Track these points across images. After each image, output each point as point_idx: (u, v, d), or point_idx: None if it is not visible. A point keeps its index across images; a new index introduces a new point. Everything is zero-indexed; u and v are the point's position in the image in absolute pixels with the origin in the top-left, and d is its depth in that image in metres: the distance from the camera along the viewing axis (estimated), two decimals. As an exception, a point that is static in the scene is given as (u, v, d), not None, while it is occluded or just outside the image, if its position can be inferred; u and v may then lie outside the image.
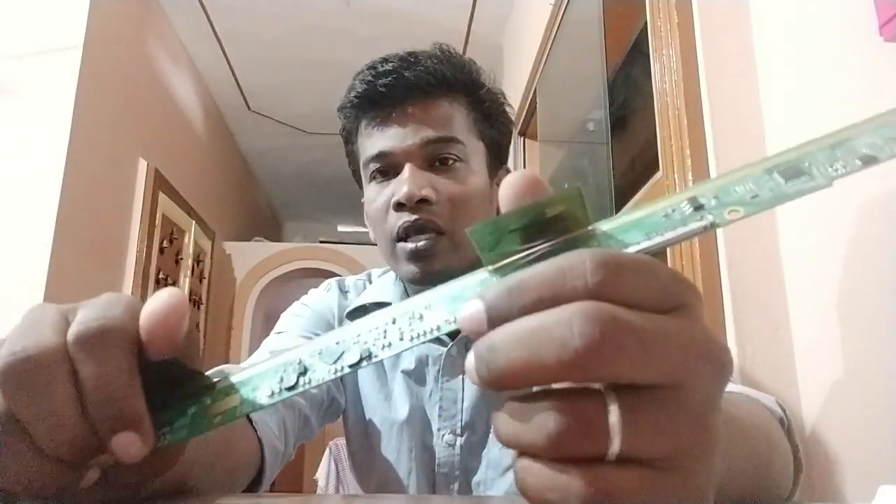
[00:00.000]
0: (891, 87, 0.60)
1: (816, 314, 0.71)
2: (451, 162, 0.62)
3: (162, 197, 2.53)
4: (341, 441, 2.44)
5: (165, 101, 2.70)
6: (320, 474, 2.57)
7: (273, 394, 0.23)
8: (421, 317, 0.22)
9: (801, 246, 0.74)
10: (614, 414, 0.18)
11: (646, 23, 1.13)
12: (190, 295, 2.93)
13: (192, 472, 0.32)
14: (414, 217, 0.59)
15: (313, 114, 3.27)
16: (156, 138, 2.55)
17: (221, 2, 2.55)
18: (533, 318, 0.18)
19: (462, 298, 0.22)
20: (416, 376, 0.67)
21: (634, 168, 1.50)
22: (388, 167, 0.63)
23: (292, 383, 0.23)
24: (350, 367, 0.22)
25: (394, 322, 0.22)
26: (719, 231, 0.91)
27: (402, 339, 0.22)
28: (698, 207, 0.21)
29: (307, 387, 0.22)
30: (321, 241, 4.05)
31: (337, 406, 0.68)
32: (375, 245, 0.66)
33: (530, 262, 0.21)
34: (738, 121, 0.87)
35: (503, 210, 0.22)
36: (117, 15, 2.19)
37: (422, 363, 0.66)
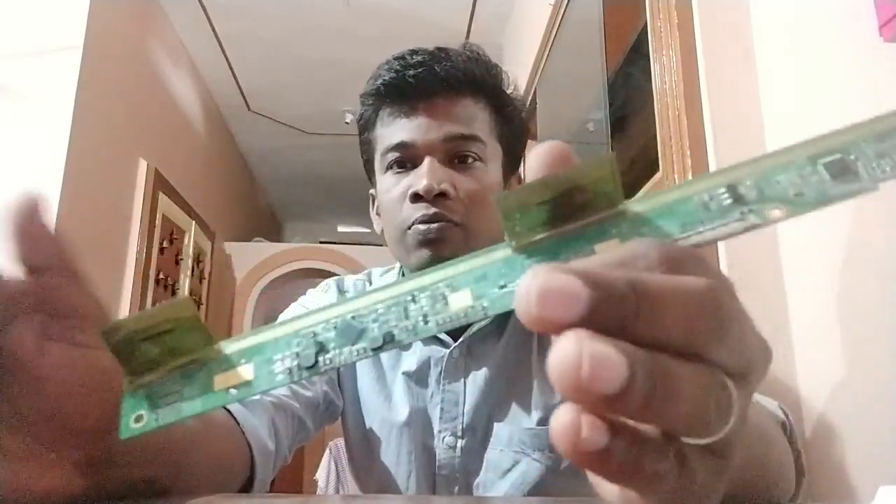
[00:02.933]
0: (891, 87, 0.60)
1: (816, 314, 0.71)
2: (470, 160, 0.62)
3: (162, 197, 2.53)
4: (341, 441, 2.44)
5: (165, 101, 2.70)
6: (320, 475, 2.57)
7: (291, 372, 0.20)
8: (445, 299, 0.20)
9: (801, 246, 0.74)
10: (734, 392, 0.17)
11: (646, 23, 1.13)
12: (190, 295, 2.93)
13: (163, 458, 0.32)
14: (432, 210, 0.59)
15: (313, 114, 3.27)
16: (156, 138, 2.55)
17: (221, 2, 2.55)
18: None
19: (487, 279, 0.20)
20: (417, 378, 0.67)
21: (634, 168, 1.50)
22: (407, 158, 0.62)
23: (311, 363, 0.20)
24: (373, 350, 0.20)
25: (414, 300, 0.20)
26: (719, 231, 0.91)
27: (426, 322, 0.20)
28: (737, 199, 0.19)
29: (328, 367, 0.20)
30: (321, 242, 4.05)
31: (334, 408, 0.68)
32: (376, 245, 0.66)
33: (560, 243, 0.20)
34: (738, 121, 0.87)
35: (529, 181, 0.21)
36: (117, 15, 2.19)
37: (424, 365, 0.66)
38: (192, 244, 2.94)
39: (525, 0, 2.31)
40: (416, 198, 0.60)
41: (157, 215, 2.48)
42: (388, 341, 0.20)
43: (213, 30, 2.74)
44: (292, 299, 0.75)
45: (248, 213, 4.20)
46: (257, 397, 0.52)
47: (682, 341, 0.17)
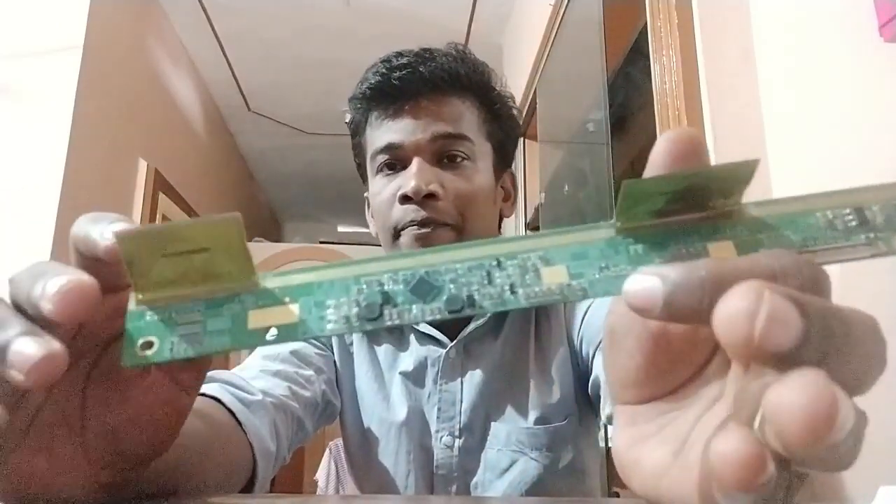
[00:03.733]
0: (891, 87, 0.60)
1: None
2: (459, 159, 0.62)
3: (162, 197, 2.53)
4: (341, 441, 2.43)
5: (165, 101, 2.70)
6: (320, 475, 2.57)
7: (349, 320, 0.18)
8: (537, 271, 0.18)
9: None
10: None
11: (646, 23, 1.13)
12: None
13: (179, 470, 0.32)
14: (421, 213, 0.59)
15: (313, 114, 3.27)
16: (156, 138, 2.55)
17: (221, 2, 2.55)
18: None
19: (585, 257, 0.19)
20: (414, 378, 0.67)
21: (634, 168, 1.50)
22: (396, 160, 0.63)
23: (375, 314, 0.18)
24: (451, 312, 0.18)
25: (499, 266, 0.19)
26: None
27: (514, 293, 0.18)
28: (863, 223, 0.18)
29: (393, 322, 0.18)
30: (321, 242, 4.05)
31: (332, 408, 0.68)
32: (376, 245, 0.66)
33: (669, 233, 0.19)
34: (738, 121, 0.87)
35: (654, 167, 0.19)
36: (117, 15, 2.19)
37: (420, 365, 0.66)
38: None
39: (525, 0, 2.31)
40: (406, 199, 0.60)
41: (157, 215, 2.48)
42: (469, 305, 0.18)
43: (213, 30, 2.74)
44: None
45: (248, 212, 4.20)
46: (259, 398, 0.52)
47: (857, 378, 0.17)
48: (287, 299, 0.19)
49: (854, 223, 0.19)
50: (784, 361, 0.15)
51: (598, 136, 1.59)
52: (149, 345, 0.18)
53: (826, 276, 0.18)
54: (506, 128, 0.68)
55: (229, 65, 3.01)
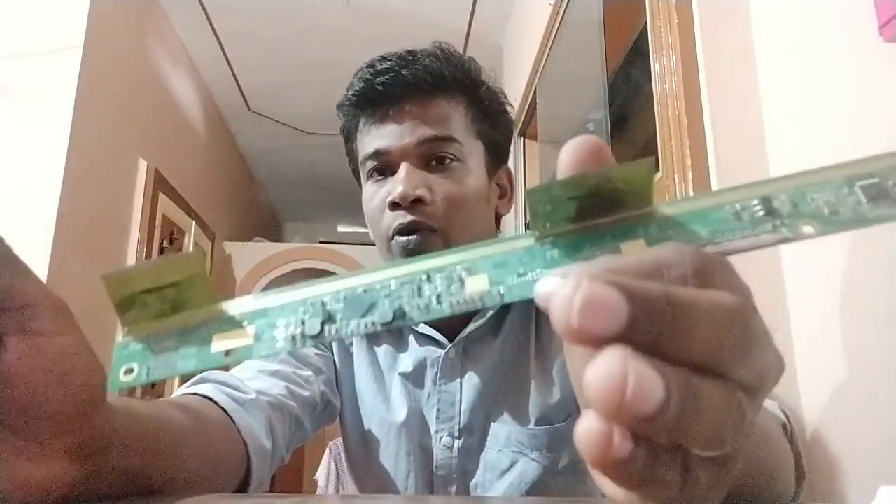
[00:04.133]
0: (891, 87, 0.60)
1: (816, 314, 0.71)
2: (447, 161, 0.62)
3: (162, 197, 2.53)
4: (341, 441, 2.43)
5: (165, 101, 2.70)
6: (320, 475, 2.57)
7: (294, 339, 0.20)
8: (462, 281, 0.20)
9: (801, 246, 0.74)
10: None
11: (646, 23, 1.13)
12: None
13: (154, 458, 0.32)
14: (409, 218, 0.59)
15: (313, 114, 3.26)
16: (156, 138, 2.55)
17: (221, 2, 2.55)
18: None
19: (507, 266, 0.20)
20: (413, 379, 0.67)
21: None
22: (384, 166, 0.63)
23: (316, 332, 0.20)
24: (383, 325, 0.20)
25: (429, 279, 0.20)
26: (719, 231, 0.91)
27: (440, 303, 0.20)
28: (770, 212, 0.19)
29: (332, 337, 0.20)
30: (321, 242, 4.05)
31: (332, 409, 0.68)
32: (375, 245, 0.66)
33: (584, 238, 0.20)
34: (738, 121, 0.87)
35: (560, 174, 0.21)
36: (117, 15, 2.19)
37: (420, 365, 0.66)
38: (192, 244, 2.94)
39: (525, 0, 2.31)
40: (394, 206, 0.60)
41: (157, 215, 2.48)
42: (399, 317, 0.20)
43: (213, 30, 2.74)
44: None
45: (248, 213, 4.20)
46: (253, 396, 0.52)
47: (708, 359, 0.17)
48: (245, 323, 0.21)
49: (761, 213, 0.20)
50: (608, 343, 0.16)
51: (598, 136, 1.59)
52: (130, 371, 0.21)
53: (719, 260, 0.18)
54: (497, 125, 0.68)
55: (229, 65, 3.01)
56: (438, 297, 0.20)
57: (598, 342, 0.16)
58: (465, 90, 0.65)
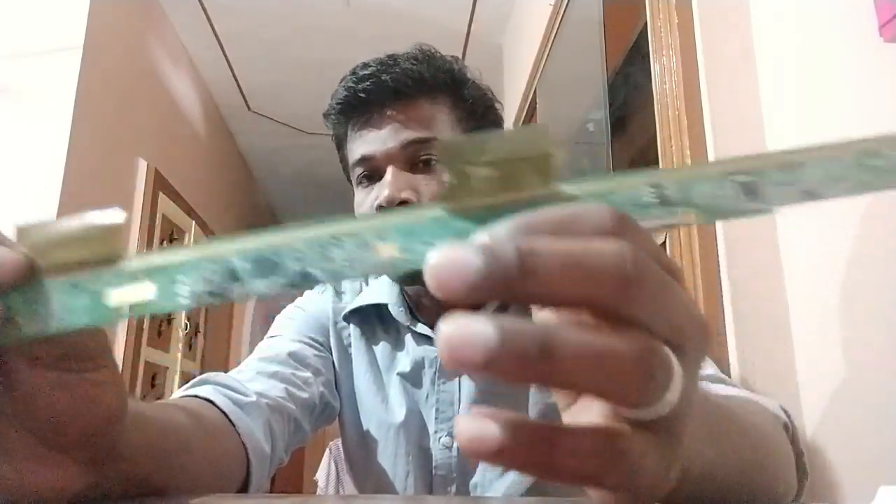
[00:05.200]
0: (891, 87, 0.60)
1: (816, 314, 0.71)
2: (433, 163, 0.62)
3: (162, 197, 2.53)
4: (341, 442, 2.42)
5: (165, 101, 2.70)
6: (320, 475, 2.57)
7: (196, 295, 0.21)
8: (373, 247, 0.21)
9: (801, 246, 0.74)
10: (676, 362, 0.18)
11: (646, 23, 1.13)
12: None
13: (157, 463, 0.33)
14: None
15: (313, 114, 3.23)
16: (156, 138, 2.55)
17: (221, 2, 2.55)
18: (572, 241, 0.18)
19: (415, 234, 0.21)
20: (412, 379, 0.67)
21: (634, 168, 1.50)
22: (371, 171, 0.63)
23: (221, 290, 0.21)
24: (284, 285, 0.21)
25: (338, 243, 0.21)
26: (719, 230, 0.91)
27: (349, 265, 0.20)
28: (662, 199, 0.21)
29: (238, 296, 0.21)
30: (321, 242, 4.04)
31: (331, 410, 0.68)
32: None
33: (489, 212, 0.21)
34: (738, 121, 0.87)
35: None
36: (117, 15, 2.19)
37: (418, 365, 0.66)
38: (192, 244, 2.94)
39: (525, 0, 2.31)
40: (381, 209, 0.60)
41: (157, 215, 2.48)
42: (305, 279, 0.20)
43: (213, 30, 2.74)
44: (291, 300, 0.75)
45: (248, 212, 4.20)
46: (253, 399, 0.52)
47: (607, 303, 0.17)
48: (146, 279, 0.21)
49: (654, 199, 0.21)
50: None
51: (598, 136, 1.59)
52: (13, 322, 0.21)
53: (629, 218, 0.19)
54: (484, 122, 0.68)
55: (229, 65, 3.01)
56: (350, 261, 0.20)
57: (459, 298, 0.17)
58: (448, 90, 0.65)
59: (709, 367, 0.52)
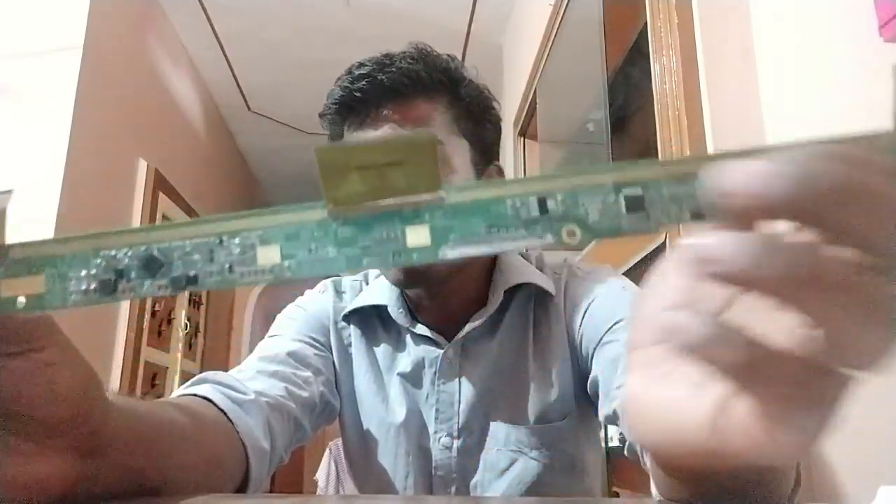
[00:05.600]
0: (891, 87, 0.60)
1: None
2: None
3: (162, 197, 2.53)
4: (341, 441, 2.42)
5: (165, 101, 2.70)
6: (320, 475, 2.57)
7: (87, 293, 0.20)
8: (254, 250, 0.20)
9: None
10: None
11: (646, 23, 1.13)
12: (190, 295, 2.93)
13: (151, 457, 0.33)
14: None
15: (313, 114, 3.20)
16: (156, 138, 2.55)
17: (221, 2, 2.55)
18: None
19: (298, 239, 0.20)
20: (412, 379, 0.66)
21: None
22: None
23: (109, 290, 0.20)
24: (174, 289, 0.20)
25: (221, 243, 0.20)
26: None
27: (231, 271, 0.20)
28: (544, 212, 0.19)
29: (125, 296, 0.20)
30: (321, 242, 4.05)
31: (331, 409, 0.68)
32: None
33: (374, 217, 0.20)
34: (738, 121, 0.87)
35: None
36: (117, 15, 2.19)
37: (418, 366, 0.66)
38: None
39: (525, 0, 2.31)
40: None
41: (157, 215, 2.48)
42: (191, 282, 0.20)
43: (213, 30, 2.74)
44: (293, 299, 0.75)
45: (248, 213, 4.20)
46: (252, 397, 0.52)
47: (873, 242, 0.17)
48: (34, 270, 0.20)
49: (535, 213, 0.20)
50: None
51: (598, 136, 1.59)
52: None
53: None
54: (482, 122, 0.67)
55: (229, 65, 3.01)
56: (231, 265, 0.20)
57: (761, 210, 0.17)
58: (444, 89, 0.64)
59: None
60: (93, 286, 0.20)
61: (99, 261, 0.20)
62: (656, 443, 0.23)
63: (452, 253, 0.20)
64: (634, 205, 0.19)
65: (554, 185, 0.20)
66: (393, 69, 0.61)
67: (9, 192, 0.20)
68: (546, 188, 0.20)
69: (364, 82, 0.61)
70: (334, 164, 0.20)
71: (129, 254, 0.20)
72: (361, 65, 0.63)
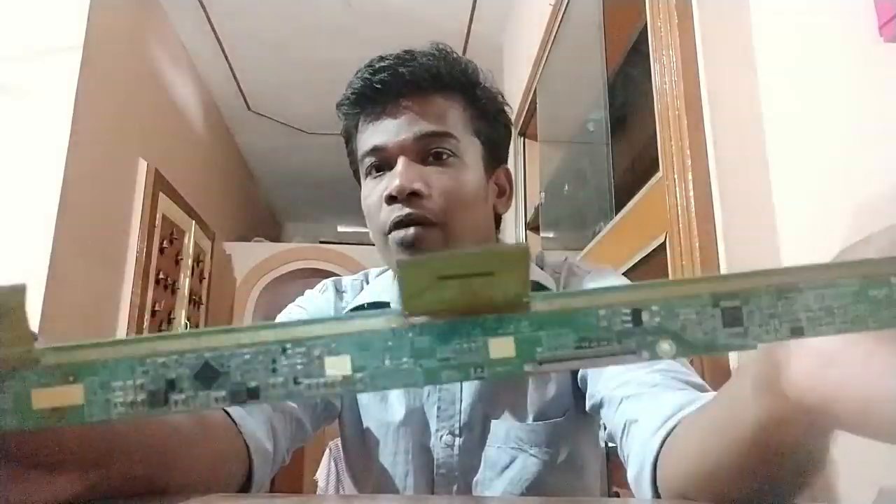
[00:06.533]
0: (891, 87, 0.60)
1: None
2: (444, 156, 0.62)
3: (162, 197, 2.53)
4: (340, 441, 2.41)
5: (165, 101, 2.70)
6: (320, 475, 2.57)
7: (134, 406, 0.18)
8: (321, 361, 0.18)
9: (801, 246, 0.74)
10: None
11: (646, 23, 1.13)
12: (190, 295, 2.93)
13: (158, 459, 0.33)
14: (406, 211, 0.60)
15: (313, 114, 3.27)
16: (156, 138, 2.55)
17: (221, 2, 2.55)
18: None
19: (371, 349, 0.18)
20: None
21: (634, 168, 1.50)
22: (382, 162, 0.63)
23: (161, 401, 0.18)
24: (235, 402, 0.18)
25: (286, 353, 0.18)
26: (719, 230, 0.91)
27: (297, 383, 0.18)
28: (637, 324, 0.18)
29: (176, 410, 0.18)
30: (321, 242, 4.05)
31: (332, 409, 0.68)
32: (375, 244, 0.66)
33: (454, 327, 0.19)
34: (738, 121, 0.87)
35: None
36: (117, 15, 2.19)
37: None
38: (192, 244, 2.94)
39: (525, 0, 2.31)
40: (391, 199, 0.60)
41: (157, 215, 2.48)
42: (253, 396, 0.18)
43: (213, 30, 2.74)
44: (292, 299, 0.75)
45: (248, 213, 4.20)
46: None
47: None
48: (71, 378, 0.18)
49: (629, 325, 0.18)
50: None
51: (598, 136, 1.59)
52: None
53: None
54: (495, 124, 0.68)
55: (229, 65, 3.01)
56: (296, 378, 0.18)
57: None
58: (462, 89, 0.65)
59: (694, 376, 0.52)
60: (141, 397, 0.18)
61: (147, 368, 0.18)
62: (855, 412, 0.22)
63: (539, 368, 0.18)
64: (732, 319, 0.18)
65: (645, 298, 0.19)
66: (414, 63, 0.62)
67: (22, 286, 0.17)
68: (636, 299, 0.19)
69: (385, 74, 0.62)
70: (417, 276, 0.18)
71: (181, 361, 0.18)
72: (382, 58, 0.64)
